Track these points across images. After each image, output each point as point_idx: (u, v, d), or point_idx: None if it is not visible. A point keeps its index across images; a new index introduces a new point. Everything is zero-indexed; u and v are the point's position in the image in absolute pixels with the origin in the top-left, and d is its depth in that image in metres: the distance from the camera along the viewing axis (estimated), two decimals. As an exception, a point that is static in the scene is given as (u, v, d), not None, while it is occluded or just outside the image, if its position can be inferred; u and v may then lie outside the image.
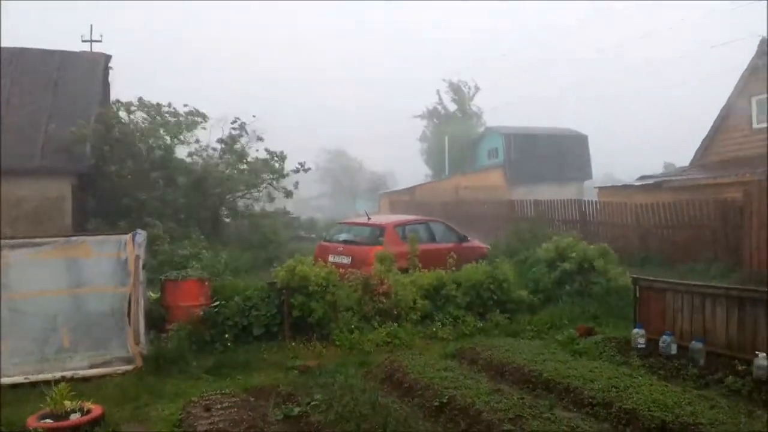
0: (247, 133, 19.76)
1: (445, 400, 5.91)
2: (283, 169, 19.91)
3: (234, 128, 19.63)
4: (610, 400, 5.70)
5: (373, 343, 8.74)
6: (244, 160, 19.53)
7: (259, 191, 19.82)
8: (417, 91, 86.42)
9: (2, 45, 18.00)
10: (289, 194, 20.30)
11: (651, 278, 8.93)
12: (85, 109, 17.18)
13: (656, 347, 7.60)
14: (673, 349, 7.45)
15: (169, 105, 18.75)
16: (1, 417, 5.82)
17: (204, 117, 18.97)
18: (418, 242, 11.95)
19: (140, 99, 18.42)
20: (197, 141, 19.23)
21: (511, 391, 6.15)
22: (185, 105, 18.97)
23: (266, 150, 19.92)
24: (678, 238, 15.71)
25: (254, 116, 19.93)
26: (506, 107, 71.94)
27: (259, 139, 20.07)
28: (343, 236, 13.90)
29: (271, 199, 20.23)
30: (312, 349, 8.59)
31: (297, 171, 20.36)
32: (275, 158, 19.73)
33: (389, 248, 11.38)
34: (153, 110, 18.41)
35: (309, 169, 20.82)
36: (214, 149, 19.49)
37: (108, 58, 19.79)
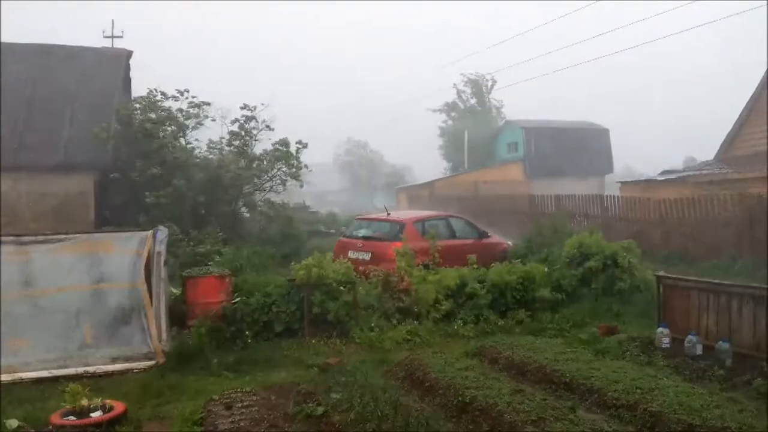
0: (257, 121, 19.19)
1: (467, 401, 5.85)
2: (290, 156, 18.93)
3: (243, 117, 19.08)
4: (635, 402, 5.60)
5: (393, 340, 8.69)
6: (255, 152, 19.10)
7: (272, 183, 19.36)
8: (436, 83, 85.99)
9: (27, 41, 18.33)
10: (296, 176, 19.20)
11: (675, 276, 8.80)
12: (108, 105, 17.26)
13: (681, 347, 7.48)
14: (699, 350, 7.33)
15: (185, 92, 18.33)
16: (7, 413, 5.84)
17: (205, 105, 18.44)
18: (438, 238, 11.87)
19: (162, 92, 18.35)
20: (210, 139, 19.08)
21: (533, 392, 6.06)
22: (194, 96, 18.44)
23: (279, 142, 19.14)
24: (702, 234, 15.47)
25: (263, 104, 19.22)
26: (525, 101, 71.37)
27: (269, 127, 19.35)
28: (362, 232, 13.86)
29: (289, 191, 19.78)
30: (332, 346, 8.58)
31: (298, 149, 19.05)
32: (281, 146, 18.88)
33: (409, 244, 11.33)
34: (165, 104, 18.22)
35: (306, 145, 19.30)
36: (229, 144, 19.30)
37: (129, 54, 19.88)
